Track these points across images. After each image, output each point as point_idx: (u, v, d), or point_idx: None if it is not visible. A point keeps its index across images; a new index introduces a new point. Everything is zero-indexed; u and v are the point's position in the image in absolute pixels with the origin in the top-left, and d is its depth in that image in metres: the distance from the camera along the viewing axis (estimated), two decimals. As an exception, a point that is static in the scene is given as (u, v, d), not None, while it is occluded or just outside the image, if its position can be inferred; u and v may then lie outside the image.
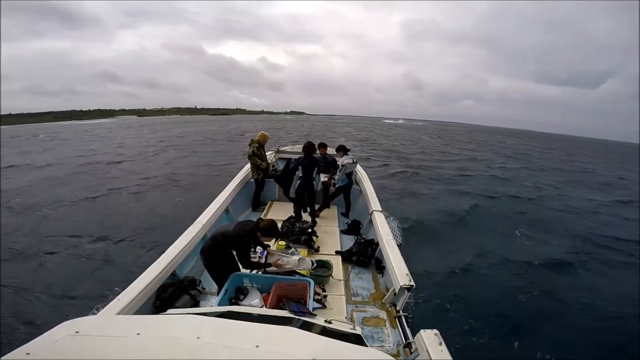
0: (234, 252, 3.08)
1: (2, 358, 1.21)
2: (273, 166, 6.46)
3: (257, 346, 1.28)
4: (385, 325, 3.00)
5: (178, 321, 1.58)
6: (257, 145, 5.65)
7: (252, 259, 3.21)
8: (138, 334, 1.35)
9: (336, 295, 3.35)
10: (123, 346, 1.29)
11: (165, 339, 1.35)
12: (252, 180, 5.78)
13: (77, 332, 1.34)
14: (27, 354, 1.22)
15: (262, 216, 5.22)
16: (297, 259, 3.32)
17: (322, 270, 3.60)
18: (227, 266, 3.10)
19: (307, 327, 1.80)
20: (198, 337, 1.32)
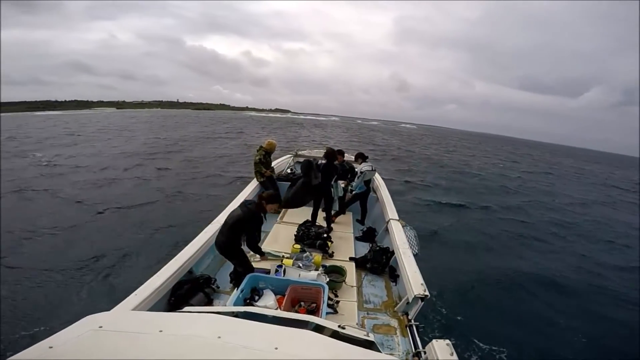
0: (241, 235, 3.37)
1: (25, 351, 1.21)
2: (291, 170, 6.47)
3: (276, 348, 1.30)
4: (395, 334, 3.02)
5: (199, 320, 1.59)
6: (263, 152, 5.72)
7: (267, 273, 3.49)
8: (160, 331, 1.37)
9: (348, 301, 3.38)
10: (146, 343, 1.31)
11: (187, 337, 1.37)
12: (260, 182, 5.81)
13: (101, 327, 1.35)
14: (50, 347, 1.22)
15: (277, 219, 5.29)
16: (316, 274, 3.41)
17: (335, 275, 3.67)
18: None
19: (321, 331, 1.84)
20: (219, 337, 1.34)
